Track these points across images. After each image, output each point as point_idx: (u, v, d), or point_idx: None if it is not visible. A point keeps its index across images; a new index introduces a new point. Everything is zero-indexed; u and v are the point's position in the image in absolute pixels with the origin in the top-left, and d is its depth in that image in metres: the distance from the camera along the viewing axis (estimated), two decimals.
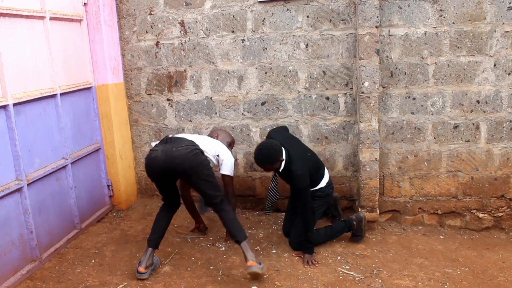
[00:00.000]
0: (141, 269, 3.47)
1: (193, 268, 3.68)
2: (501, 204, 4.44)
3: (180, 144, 3.40)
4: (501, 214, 4.45)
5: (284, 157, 3.71)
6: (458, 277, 3.56)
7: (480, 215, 4.47)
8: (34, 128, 3.70)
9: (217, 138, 4.00)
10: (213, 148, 3.73)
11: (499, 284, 3.47)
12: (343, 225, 4.07)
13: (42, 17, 3.79)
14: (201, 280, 3.51)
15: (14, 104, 3.41)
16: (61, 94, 4.01)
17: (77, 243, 4.13)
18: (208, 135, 4.09)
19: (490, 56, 4.16)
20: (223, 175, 3.81)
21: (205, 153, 3.55)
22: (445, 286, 3.43)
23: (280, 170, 3.78)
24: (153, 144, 3.57)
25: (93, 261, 3.82)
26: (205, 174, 3.39)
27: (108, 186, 4.79)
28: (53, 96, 3.92)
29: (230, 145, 4.13)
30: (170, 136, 3.53)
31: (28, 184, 3.54)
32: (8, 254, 3.36)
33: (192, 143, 3.45)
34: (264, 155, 3.66)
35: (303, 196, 3.73)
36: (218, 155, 3.76)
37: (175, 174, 3.41)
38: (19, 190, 3.46)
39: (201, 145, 3.55)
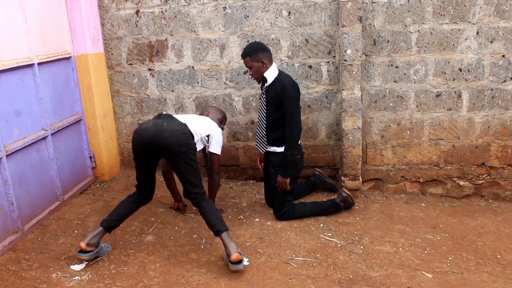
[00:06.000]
0: (83, 244, 3.23)
1: (176, 237, 3.70)
2: (482, 172, 4.50)
3: (172, 121, 3.33)
4: (481, 181, 4.52)
5: (273, 69, 3.77)
6: (438, 243, 3.63)
7: (461, 182, 4.54)
8: (11, 98, 3.62)
9: (207, 116, 3.93)
10: (204, 128, 3.64)
11: (477, 249, 3.54)
12: (330, 204, 4.09)
13: None
14: (184, 248, 3.53)
15: None
16: (39, 64, 3.92)
17: (60, 214, 4.11)
18: (200, 114, 4.03)
19: (473, 23, 4.15)
20: (210, 153, 3.76)
21: (195, 136, 3.45)
22: (425, 251, 3.50)
23: (270, 83, 3.77)
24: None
25: (76, 232, 3.81)
26: (190, 158, 3.28)
27: (90, 157, 4.73)
28: (31, 65, 3.83)
29: (222, 121, 4.04)
30: (164, 113, 3.44)
31: (7, 155, 3.48)
32: None
33: (185, 125, 3.36)
34: (252, 43, 3.82)
35: (290, 109, 3.68)
36: (208, 135, 3.67)
37: (159, 149, 3.26)
38: None
39: (193, 125, 3.46)
